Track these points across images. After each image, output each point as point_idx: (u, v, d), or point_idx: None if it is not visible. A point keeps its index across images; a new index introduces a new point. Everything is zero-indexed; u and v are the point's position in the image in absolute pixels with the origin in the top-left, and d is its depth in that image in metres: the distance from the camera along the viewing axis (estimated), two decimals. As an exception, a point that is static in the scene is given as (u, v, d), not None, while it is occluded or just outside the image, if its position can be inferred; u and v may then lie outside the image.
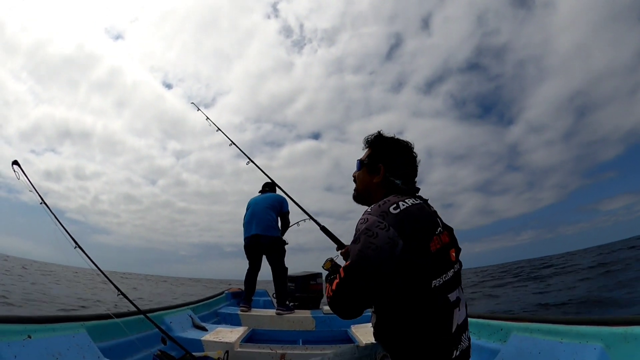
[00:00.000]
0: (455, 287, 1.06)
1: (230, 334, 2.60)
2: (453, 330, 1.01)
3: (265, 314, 3.61)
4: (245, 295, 3.89)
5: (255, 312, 3.74)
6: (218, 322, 3.56)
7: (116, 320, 2.03)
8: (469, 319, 1.76)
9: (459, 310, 1.05)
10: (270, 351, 2.46)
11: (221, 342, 2.43)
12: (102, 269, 2.07)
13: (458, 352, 1.01)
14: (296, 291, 4.37)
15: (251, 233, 3.81)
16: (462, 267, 1.16)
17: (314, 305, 4.33)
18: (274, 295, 4.36)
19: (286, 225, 3.98)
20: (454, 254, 1.10)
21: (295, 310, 3.79)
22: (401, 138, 1.30)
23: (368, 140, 1.33)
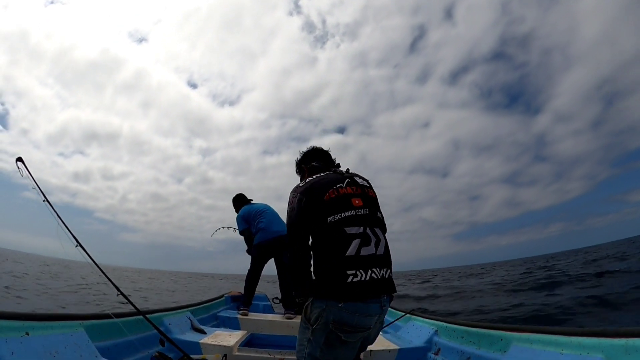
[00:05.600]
0: (357, 224, 1.47)
1: (228, 338, 2.59)
2: (347, 254, 1.40)
3: (264, 319, 3.59)
4: (247, 298, 3.86)
5: (255, 316, 3.72)
6: (217, 326, 3.55)
7: (115, 320, 2.03)
8: (469, 328, 1.92)
9: (363, 242, 1.44)
10: (268, 356, 2.44)
11: (219, 345, 2.42)
12: (102, 268, 2.08)
13: (353, 279, 1.38)
14: (297, 296, 4.34)
15: (279, 233, 3.80)
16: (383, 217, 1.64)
17: None
18: (274, 299, 4.33)
19: None
20: (357, 201, 1.54)
21: (294, 316, 3.77)
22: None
23: (296, 163, 1.98)
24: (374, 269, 1.42)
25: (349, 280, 1.37)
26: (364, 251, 1.43)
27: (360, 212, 1.51)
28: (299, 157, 1.96)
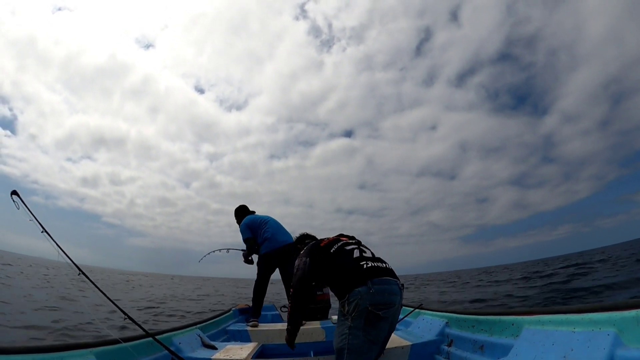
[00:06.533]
0: (352, 245, 2.00)
1: (240, 351, 2.56)
2: (354, 257, 1.89)
3: (274, 329, 3.55)
4: (256, 309, 3.82)
5: (265, 327, 3.69)
6: (227, 340, 3.51)
7: (124, 344, 2.00)
8: (479, 317, 2.39)
9: (361, 252, 1.95)
10: None
11: (232, 359, 2.40)
12: (108, 296, 2.06)
13: (367, 265, 1.81)
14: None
15: (285, 242, 3.82)
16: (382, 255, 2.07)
17: (322, 315, 4.27)
18: (282, 308, 4.30)
19: None
20: (344, 239, 2.09)
21: (305, 322, 3.74)
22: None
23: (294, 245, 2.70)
24: (377, 263, 1.86)
25: (364, 267, 1.79)
26: (366, 254, 1.95)
27: (351, 241, 2.07)
28: (293, 241, 2.65)
